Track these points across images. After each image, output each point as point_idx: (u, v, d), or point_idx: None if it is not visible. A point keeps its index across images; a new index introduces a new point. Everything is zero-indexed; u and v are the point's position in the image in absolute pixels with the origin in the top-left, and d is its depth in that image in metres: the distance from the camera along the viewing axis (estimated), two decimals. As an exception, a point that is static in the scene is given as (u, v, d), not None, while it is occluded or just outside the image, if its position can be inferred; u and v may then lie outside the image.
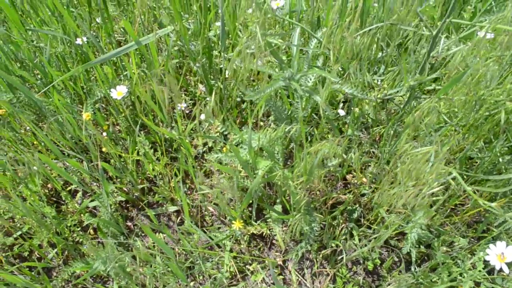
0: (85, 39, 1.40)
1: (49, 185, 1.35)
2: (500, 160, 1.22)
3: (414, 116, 0.91)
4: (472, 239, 1.25)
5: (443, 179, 0.87)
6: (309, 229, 1.19)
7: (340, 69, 1.26)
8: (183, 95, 1.62)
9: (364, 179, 1.30)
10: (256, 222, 1.29)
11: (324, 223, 1.27)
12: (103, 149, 1.18)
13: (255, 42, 0.87)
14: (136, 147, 1.29)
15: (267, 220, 1.29)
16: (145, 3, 1.43)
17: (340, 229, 1.26)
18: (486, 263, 0.98)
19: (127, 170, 1.29)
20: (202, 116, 1.16)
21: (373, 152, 1.39)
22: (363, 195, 1.32)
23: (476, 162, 1.29)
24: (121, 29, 1.73)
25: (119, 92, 1.14)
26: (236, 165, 1.26)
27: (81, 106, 1.43)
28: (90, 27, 1.66)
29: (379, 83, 1.09)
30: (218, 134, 1.24)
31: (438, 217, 1.14)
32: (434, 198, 0.93)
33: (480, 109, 1.02)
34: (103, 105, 1.51)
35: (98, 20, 1.66)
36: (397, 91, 1.04)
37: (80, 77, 1.33)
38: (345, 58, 0.99)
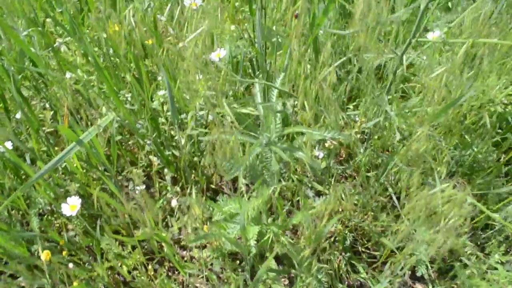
0: (9, 145, 1.20)
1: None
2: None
3: (412, 151, 0.83)
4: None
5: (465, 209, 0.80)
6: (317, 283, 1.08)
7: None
8: (134, 170, 1.46)
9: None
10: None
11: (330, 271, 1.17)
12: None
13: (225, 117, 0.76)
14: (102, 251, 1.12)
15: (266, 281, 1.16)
16: (70, 88, 1.27)
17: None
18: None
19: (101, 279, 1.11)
20: (174, 202, 1.01)
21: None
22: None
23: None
24: (50, 118, 1.53)
25: (72, 206, 0.95)
26: (221, 242, 1.13)
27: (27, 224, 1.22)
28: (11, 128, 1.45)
29: (357, 118, 1.01)
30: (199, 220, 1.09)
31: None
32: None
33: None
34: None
35: (18, 115, 1.46)
36: (378, 121, 0.96)
37: (20, 198, 1.11)
38: (317, 104, 0.91)
